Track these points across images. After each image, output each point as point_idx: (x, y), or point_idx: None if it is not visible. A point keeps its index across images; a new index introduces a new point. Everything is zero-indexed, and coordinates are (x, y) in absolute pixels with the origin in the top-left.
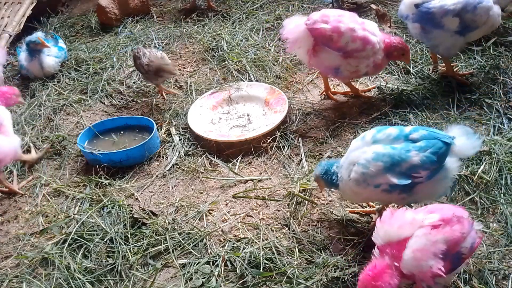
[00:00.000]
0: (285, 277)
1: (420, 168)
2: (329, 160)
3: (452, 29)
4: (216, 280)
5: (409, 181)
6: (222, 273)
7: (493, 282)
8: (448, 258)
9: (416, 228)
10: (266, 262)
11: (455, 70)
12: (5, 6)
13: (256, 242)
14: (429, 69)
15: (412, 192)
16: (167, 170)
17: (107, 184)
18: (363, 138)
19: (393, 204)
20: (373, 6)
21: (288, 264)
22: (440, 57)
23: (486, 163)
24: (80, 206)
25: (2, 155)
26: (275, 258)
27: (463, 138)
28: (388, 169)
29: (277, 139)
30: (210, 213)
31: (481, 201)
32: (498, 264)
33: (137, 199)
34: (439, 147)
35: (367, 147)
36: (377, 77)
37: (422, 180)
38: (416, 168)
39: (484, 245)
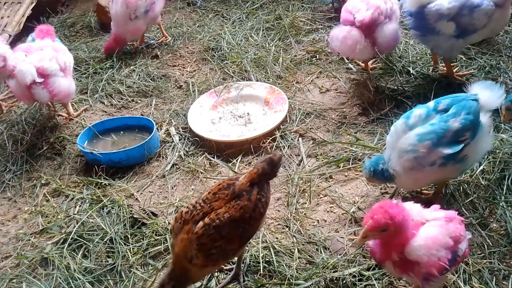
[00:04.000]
0: (285, 280)
1: (464, 131)
2: (371, 159)
3: (448, 34)
4: (216, 282)
5: (461, 146)
6: (222, 275)
7: (493, 282)
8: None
9: (422, 219)
10: (265, 265)
11: (455, 70)
12: (5, 6)
13: (255, 244)
14: (429, 69)
15: (464, 157)
16: (167, 170)
17: (107, 184)
18: (396, 131)
19: (450, 180)
20: None
21: (287, 266)
22: (442, 58)
23: (485, 163)
24: (80, 206)
25: (71, 91)
26: (274, 260)
27: (486, 92)
28: (437, 144)
29: (277, 139)
30: None
31: (481, 201)
32: (498, 264)
33: (137, 199)
34: (470, 106)
35: (407, 134)
36: (376, 77)
37: (468, 141)
38: (460, 132)
39: (484, 245)
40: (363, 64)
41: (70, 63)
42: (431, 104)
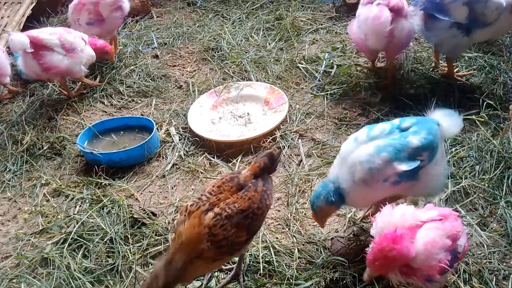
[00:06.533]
0: (285, 279)
1: (422, 150)
2: (316, 188)
3: (459, 20)
4: (216, 282)
5: (417, 163)
6: (222, 274)
7: (493, 282)
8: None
9: (417, 221)
10: (265, 265)
11: (455, 70)
12: (5, 6)
13: (255, 244)
14: (430, 69)
15: (418, 178)
16: (167, 170)
17: (107, 184)
18: (356, 139)
19: (399, 200)
20: None
21: (287, 266)
22: (444, 57)
23: (485, 164)
24: (80, 206)
25: (55, 66)
26: (274, 260)
27: (446, 119)
28: (394, 158)
29: (277, 139)
30: None
31: (481, 201)
32: (498, 264)
33: (137, 199)
34: (431, 127)
35: (365, 145)
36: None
37: (425, 163)
38: (418, 151)
39: (484, 245)
40: (369, 65)
41: (83, 49)
42: (396, 121)
